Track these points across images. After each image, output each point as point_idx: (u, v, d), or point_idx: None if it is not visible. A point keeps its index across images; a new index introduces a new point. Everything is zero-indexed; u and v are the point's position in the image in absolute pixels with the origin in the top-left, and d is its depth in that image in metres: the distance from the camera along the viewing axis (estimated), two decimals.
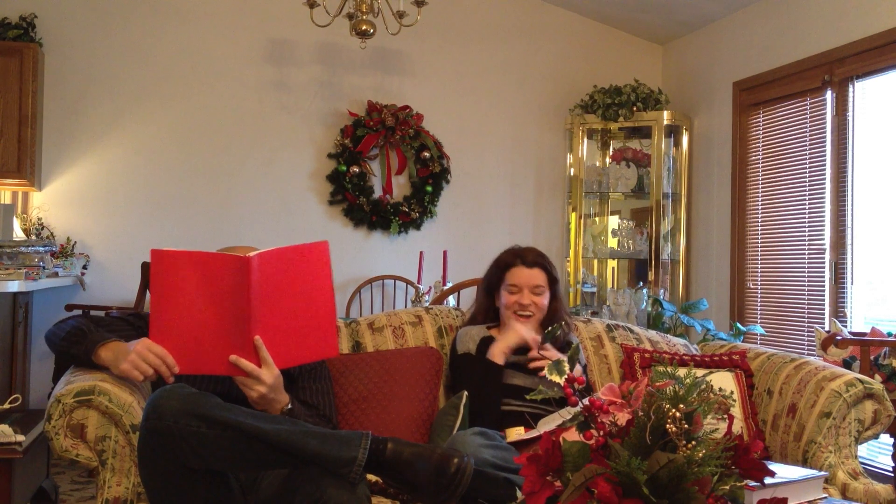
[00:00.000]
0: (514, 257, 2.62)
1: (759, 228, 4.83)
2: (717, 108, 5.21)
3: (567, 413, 1.48)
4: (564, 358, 1.52)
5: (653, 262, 5.29)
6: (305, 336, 2.05)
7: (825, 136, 4.34)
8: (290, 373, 2.18)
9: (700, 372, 2.58)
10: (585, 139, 5.50)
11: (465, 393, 2.33)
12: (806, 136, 4.49)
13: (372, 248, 5.36)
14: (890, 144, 4.04)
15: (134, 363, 1.93)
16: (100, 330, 2.06)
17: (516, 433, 2.28)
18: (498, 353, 2.44)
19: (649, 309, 4.97)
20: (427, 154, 5.35)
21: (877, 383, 2.39)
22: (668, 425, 1.31)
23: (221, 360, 1.98)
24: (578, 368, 2.42)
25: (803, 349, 4.37)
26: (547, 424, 2.19)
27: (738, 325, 4.57)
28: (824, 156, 4.34)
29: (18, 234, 4.43)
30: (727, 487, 1.35)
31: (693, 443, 1.30)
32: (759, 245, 4.82)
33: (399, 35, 4.60)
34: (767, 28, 4.81)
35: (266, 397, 1.99)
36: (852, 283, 4.17)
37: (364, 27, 4.32)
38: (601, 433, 1.35)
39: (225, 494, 1.82)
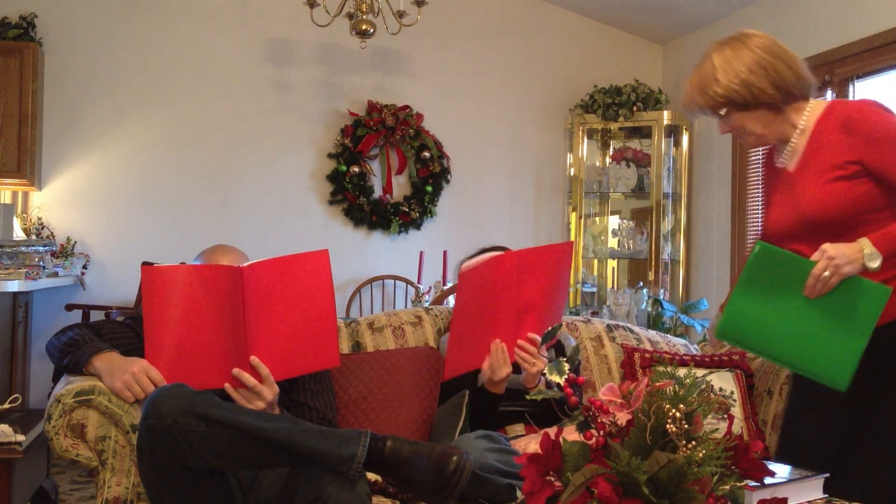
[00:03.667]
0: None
1: (760, 228, 4.83)
2: None
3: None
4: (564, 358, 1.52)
5: (653, 262, 5.29)
6: (305, 346, 2.05)
7: None
8: None
9: (700, 372, 2.58)
10: (585, 139, 5.50)
11: (467, 392, 2.33)
12: None
13: (372, 247, 5.36)
14: None
15: (128, 384, 1.92)
16: (96, 340, 2.06)
17: (516, 431, 2.27)
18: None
19: (649, 309, 4.97)
20: (427, 154, 5.35)
21: None
22: (668, 425, 1.31)
23: (220, 374, 1.98)
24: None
25: None
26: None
27: None
28: None
29: (18, 233, 4.44)
30: (727, 487, 1.35)
31: (693, 443, 1.30)
32: None
33: (399, 35, 4.60)
34: (767, 28, 4.77)
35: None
36: None
37: (364, 27, 4.32)
38: (601, 433, 1.35)
39: (224, 493, 1.82)
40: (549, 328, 2.15)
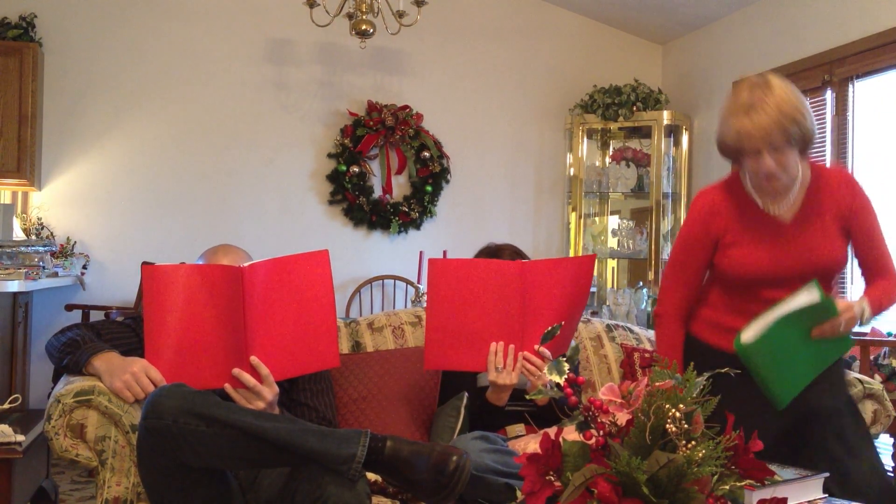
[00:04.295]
0: (491, 256, 2.56)
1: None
2: (717, 108, 5.18)
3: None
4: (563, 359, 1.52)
5: (652, 262, 5.29)
6: (305, 346, 2.05)
7: (825, 136, 4.34)
8: None
9: None
10: (585, 139, 5.50)
11: (466, 394, 2.33)
12: None
13: (372, 247, 5.36)
14: (890, 144, 4.04)
15: (128, 384, 1.92)
16: (96, 341, 2.05)
17: (517, 431, 2.27)
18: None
19: (649, 309, 4.97)
20: (427, 154, 5.35)
21: (876, 383, 2.39)
22: (668, 425, 1.31)
23: (220, 374, 1.98)
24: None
25: None
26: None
27: None
28: (824, 156, 4.34)
29: (18, 234, 4.43)
30: (727, 487, 1.35)
31: (693, 443, 1.30)
32: None
33: (399, 35, 4.60)
34: (767, 28, 4.81)
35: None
36: (852, 283, 4.16)
37: (364, 27, 4.32)
38: (601, 433, 1.35)
39: (224, 493, 1.82)
40: (549, 328, 2.15)
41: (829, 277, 2.10)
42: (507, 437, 2.26)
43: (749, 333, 1.97)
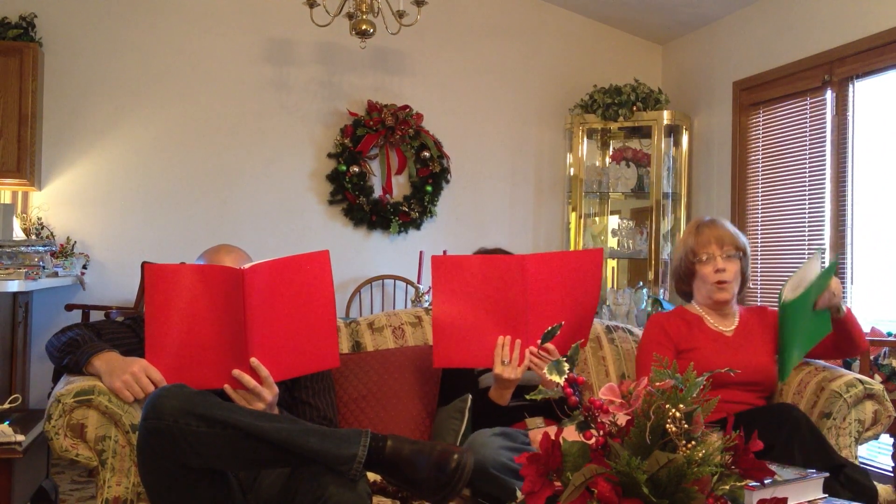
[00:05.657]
0: None
1: (759, 228, 4.84)
2: (716, 108, 5.21)
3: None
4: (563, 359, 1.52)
5: (652, 262, 5.29)
6: (305, 347, 2.05)
7: (825, 136, 4.34)
8: None
9: None
10: (585, 139, 5.49)
11: (469, 396, 2.32)
12: (806, 136, 4.49)
13: (372, 247, 5.36)
14: (890, 144, 4.04)
15: (127, 384, 1.92)
16: (95, 340, 2.05)
17: (536, 423, 2.26)
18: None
19: (649, 309, 4.97)
20: (427, 154, 5.35)
21: (877, 384, 2.39)
22: (668, 425, 1.31)
23: (220, 374, 1.98)
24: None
25: None
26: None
27: None
28: (824, 156, 4.34)
29: (18, 233, 4.43)
30: (727, 487, 1.35)
31: (693, 443, 1.30)
32: (759, 245, 4.82)
33: (399, 35, 4.60)
34: (767, 28, 4.81)
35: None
36: (852, 283, 4.17)
37: (364, 27, 4.32)
38: (601, 433, 1.35)
39: (225, 493, 1.82)
40: (549, 328, 2.14)
41: (766, 386, 2.45)
42: (527, 428, 2.25)
43: (788, 292, 2.35)
